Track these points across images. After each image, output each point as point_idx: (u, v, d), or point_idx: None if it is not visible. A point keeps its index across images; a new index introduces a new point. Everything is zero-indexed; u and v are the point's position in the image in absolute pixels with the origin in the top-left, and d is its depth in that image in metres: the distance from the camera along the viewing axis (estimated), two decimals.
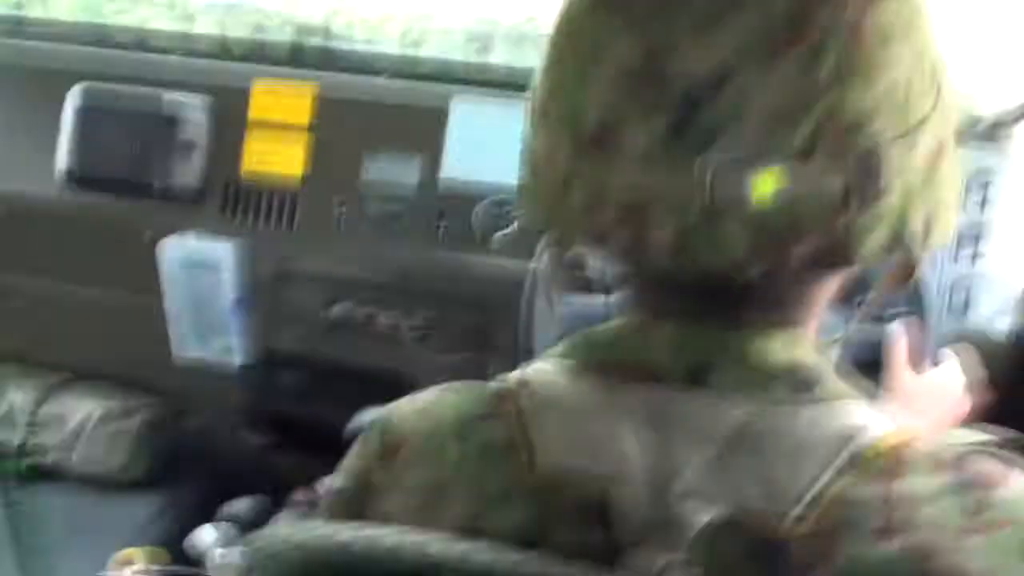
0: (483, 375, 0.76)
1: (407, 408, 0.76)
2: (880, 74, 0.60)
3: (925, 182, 0.64)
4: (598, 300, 1.39)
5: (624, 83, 0.61)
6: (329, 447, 0.81)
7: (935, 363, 1.28)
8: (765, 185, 0.59)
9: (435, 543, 0.62)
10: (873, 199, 0.61)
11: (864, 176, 0.61)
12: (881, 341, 1.27)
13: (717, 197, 0.60)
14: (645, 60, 0.61)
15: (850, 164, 0.60)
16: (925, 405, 1.19)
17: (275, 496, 1.98)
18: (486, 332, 1.85)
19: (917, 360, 1.26)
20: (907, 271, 0.77)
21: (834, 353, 1.31)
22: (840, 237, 0.61)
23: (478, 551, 0.61)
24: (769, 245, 0.61)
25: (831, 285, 0.72)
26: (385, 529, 0.64)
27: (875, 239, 0.63)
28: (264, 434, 2.11)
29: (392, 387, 0.78)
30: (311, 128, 1.91)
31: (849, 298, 0.88)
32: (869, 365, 1.28)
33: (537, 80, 0.70)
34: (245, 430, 2.09)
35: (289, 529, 0.64)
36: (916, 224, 0.64)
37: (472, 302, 1.83)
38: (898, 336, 1.27)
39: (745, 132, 0.59)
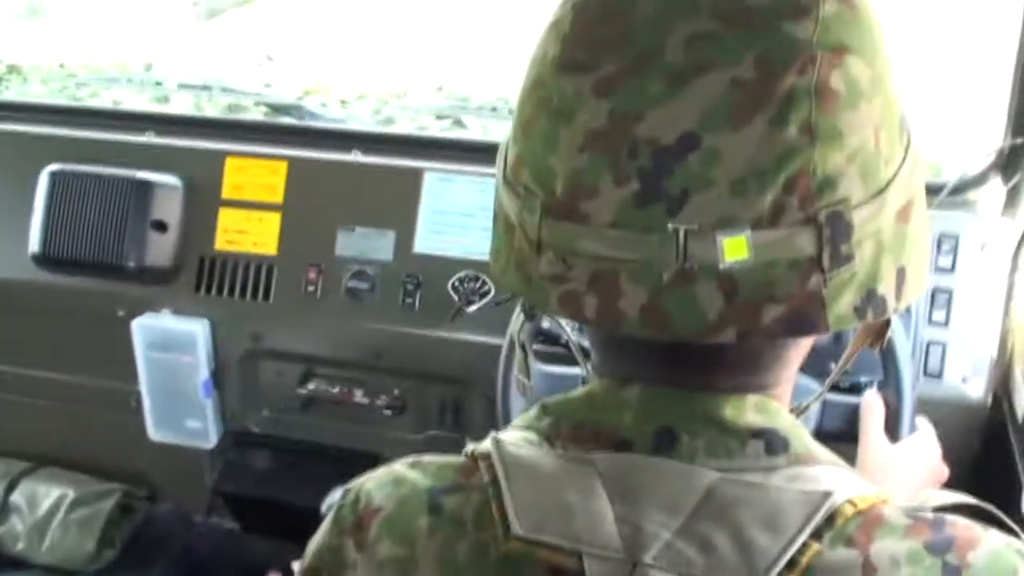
0: (459, 451, 0.75)
1: (377, 481, 0.74)
2: (847, 136, 0.60)
3: (895, 241, 0.64)
4: (573, 370, 1.39)
5: (592, 148, 0.61)
6: (304, 528, 0.79)
7: (911, 431, 1.28)
8: (735, 250, 0.59)
9: None
10: (843, 261, 0.61)
11: (833, 239, 0.60)
12: (857, 410, 1.28)
13: (687, 262, 0.60)
14: (612, 124, 0.61)
15: (817, 228, 0.60)
16: (900, 474, 1.18)
17: None
18: (461, 407, 1.84)
19: (892, 429, 1.26)
20: (879, 332, 0.77)
21: (809, 417, 1.32)
22: (809, 301, 0.61)
23: None
24: (741, 309, 0.60)
25: (803, 348, 0.71)
26: None
27: (846, 301, 0.62)
28: (237, 516, 2.07)
29: (367, 466, 0.76)
30: (284, 204, 1.91)
31: (823, 361, 0.88)
32: (845, 434, 1.28)
33: (506, 146, 0.70)
34: (218, 512, 2.06)
35: None
36: (887, 284, 0.64)
37: (447, 376, 1.83)
38: (873, 405, 1.27)
39: (712, 197, 0.59)
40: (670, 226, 0.59)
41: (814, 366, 0.85)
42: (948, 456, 1.26)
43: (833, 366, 0.86)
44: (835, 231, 0.60)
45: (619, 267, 0.61)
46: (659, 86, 0.60)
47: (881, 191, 0.62)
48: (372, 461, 0.95)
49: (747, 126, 0.59)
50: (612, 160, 0.60)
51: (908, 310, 1.57)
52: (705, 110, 0.59)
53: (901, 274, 0.65)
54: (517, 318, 0.90)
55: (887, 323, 0.76)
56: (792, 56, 0.59)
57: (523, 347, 0.89)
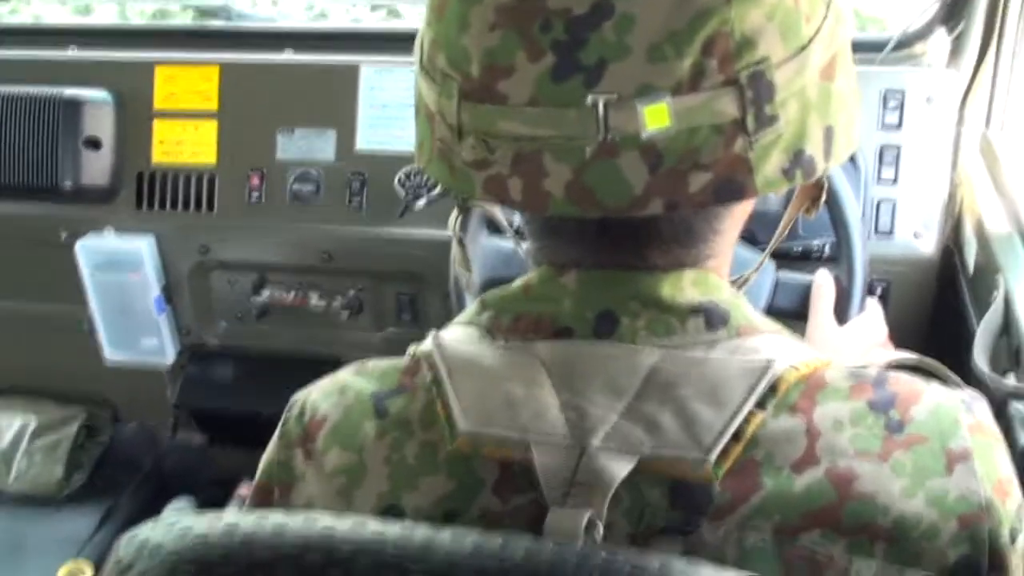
0: None
1: (322, 389, 0.74)
2: None
3: (820, 99, 0.63)
4: (509, 242, 1.38)
5: (504, 24, 0.60)
6: (270, 437, 0.79)
7: (860, 311, 1.28)
8: (656, 118, 0.58)
9: (340, 526, 0.59)
10: (767, 122, 0.60)
11: (756, 100, 0.59)
12: (809, 289, 1.28)
13: (608, 134, 0.58)
14: (520, 1, 0.59)
15: (738, 90, 0.59)
16: (850, 354, 1.19)
17: (221, 491, 1.95)
18: (418, 303, 1.83)
19: (842, 309, 1.27)
20: (815, 195, 0.76)
21: (761, 294, 1.32)
22: (735, 165, 0.60)
23: (389, 529, 0.59)
24: (666, 179, 0.59)
25: (738, 217, 0.70)
26: (288, 515, 0.61)
27: (773, 163, 0.61)
28: (203, 430, 2.07)
29: (328, 370, 0.76)
30: (220, 110, 1.86)
31: (771, 229, 0.87)
32: (797, 312, 1.29)
33: (422, 32, 0.68)
34: (183, 428, 2.06)
35: (170, 522, 0.62)
36: (815, 144, 0.63)
37: (401, 274, 1.81)
38: (824, 286, 1.27)
39: (630, 64, 0.58)
40: (589, 98, 0.58)
41: (764, 234, 0.83)
42: (900, 317, 1.27)
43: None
44: (758, 92, 0.59)
45: (541, 146, 0.60)
46: None
47: (803, 48, 0.61)
48: (333, 365, 0.93)
49: None
50: (525, 35, 0.59)
51: (857, 173, 1.56)
52: None
53: (828, 133, 0.64)
54: (453, 213, 0.89)
55: (821, 185, 0.75)
56: None
57: (460, 241, 0.88)
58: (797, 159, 0.62)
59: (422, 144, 0.69)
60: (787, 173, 0.62)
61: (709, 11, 0.58)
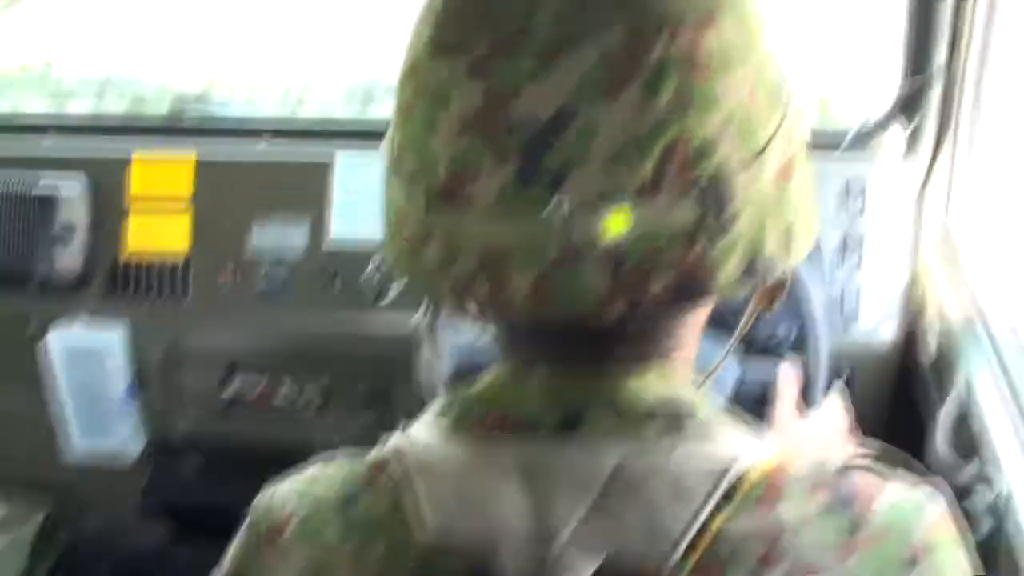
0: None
1: (287, 487, 0.74)
2: (720, 101, 0.60)
3: (778, 200, 0.64)
4: (480, 338, 1.39)
5: (470, 130, 0.61)
6: (237, 532, 0.79)
7: (824, 399, 1.30)
8: (617, 223, 0.59)
9: None
10: (724, 227, 0.61)
11: (712, 205, 0.61)
12: (775, 377, 1.30)
13: (572, 239, 0.59)
14: (488, 105, 0.60)
15: (697, 194, 0.60)
16: (811, 447, 1.20)
17: None
18: (390, 394, 1.83)
19: (807, 397, 1.28)
20: (773, 293, 0.77)
21: (727, 382, 1.34)
22: (695, 268, 0.61)
23: None
24: (627, 282, 0.61)
25: (699, 316, 0.72)
26: None
27: (730, 266, 0.62)
28: (167, 525, 2.05)
29: (297, 462, 0.76)
30: (194, 201, 1.87)
31: (727, 325, 0.89)
32: (763, 400, 1.30)
33: (390, 133, 0.69)
34: (147, 523, 2.03)
35: None
36: (774, 245, 0.64)
37: (371, 364, 1.81)
38: (787, 377, 1.29)
39: (592, 171, 0.59)
40: (552, 203, 0.59)
41: (731, 319, 0.85)
42: (861, 404, 1.29)
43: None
44: (715, 196, 0.60)
45: (506, 250, 0.61)
46: (531, 63, 0.59)
47: (760, 152, 0.62)
48: (302, 457, 0.92)
49: (620, 97, 0.59)
50: (491, 141, 0.60)
51: (821, 261, 1.59)
52: (578, 83, 0.59)
53: (787, 233, 0.65)
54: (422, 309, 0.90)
55: (783, 282, 0.76)
56: (661, 25, 0.59)
57: (428, 336, 0.89)
58: (756, 261, 0.63)
59: (391, 243, 0.69)
60: (747, 275, 0.63)
61: (668, 120, 0.59)
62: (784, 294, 0.77)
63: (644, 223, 0.59)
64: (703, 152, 0.60)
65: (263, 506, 0.73)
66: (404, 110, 0.65)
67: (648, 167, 0.59)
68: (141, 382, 1.91)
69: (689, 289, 0.62)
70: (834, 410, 1.28)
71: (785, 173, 0.65)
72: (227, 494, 1.79)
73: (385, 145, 0.69)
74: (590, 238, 0.59)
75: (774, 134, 0.64)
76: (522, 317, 0.63)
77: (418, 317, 0.82)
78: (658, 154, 0.59)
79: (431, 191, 0.63)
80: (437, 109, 0.62)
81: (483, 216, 0.61)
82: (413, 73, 0.64)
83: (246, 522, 0.75)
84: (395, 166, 0.67)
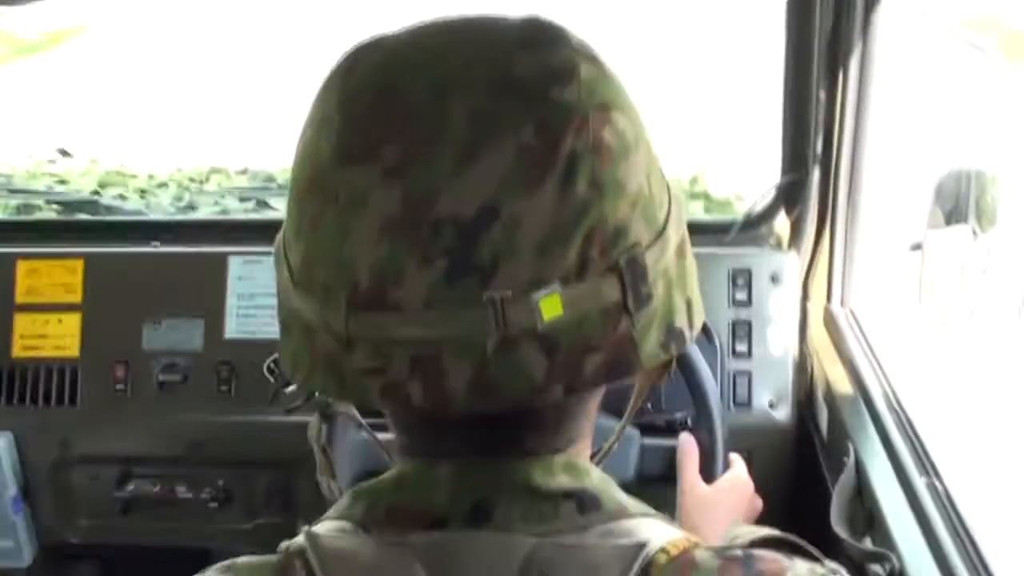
0: (291, 537, 0.73)
1: None
2: (627, 184, 0.63)
3: (679, 275, 0.68)
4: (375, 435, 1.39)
5: (391, 235, 0.61)
6: None
7: (724, 468, 1.33)
8: (551, 308, 0.61)
9: None
10: (644, 302, 0.64)
11: (634, 282, 0.63)
12: (674, 452, 1.32)
13: (508, 329, 0.60)
14: (408, 208, 0.61)
15: (618, 275, 0.63)
16: (718, 512, 1.23)
17: None
18: (290, 491, 1.80)
19: (708, 467, 1.31)
20: (662, 368, 0.80)
21: (629, 462, 1.36)
22: (623, 345, 0.63)
23: None
24: (563, 365, 0.62)
25: (599, 396, 0.73)
26: None
27: (652, 339, 0.65)
28: None
29: (196, 563, 0.74)
30: (84, 303, 1.84)
31: (620, 404, 0.91)
32: (665, 476, 1.33)
33: (282, 249, 0.68)
34: None
35: None
36: (681, 317, 0.67)
37: (271, 461, 1.78)
38: (688, 448, 1.31)
39: (521, 261, 0.61)
40: (485, 296, 0.60)
41: (613, 405, 0.87)
42: (762, 484, 1.32)
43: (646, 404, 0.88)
44: (634, 275, 0.63)
45: (439, 347, 0.61)
46: (449, 163, 0.61)
47: (661, 231, 0.66)
48: (202, 556, 0.90)
49: (540, 190, 0.61)
50: (414, 244, 0.60)
51: (713, 347, 1.64)
52: (499, 179, 0.61)
53: (688, 305, 0.69)
54: (314, 423, 0.89)
55: (669, 358, 0.79)
56: (567, 119, 0.62)
57: (324, 451, 0.88)
58: (671, 332, 0.66)
59: (296, 358, 0.68)
60: (664, 346, 0.66)
61: (586, 206, 0.62)
62: (671, 370, 0.80)
63: (575, 306, 0.61)
64: (619, 234, 0.63)
65: None
66: (308, 223, 0.64)
67: (572, 253, 0.61)
68: (30, 489, 1.84)
69: (619, 366, 0.64)
70: (738, 473, 1.31)
71: (681, 250, 0.69)
72: None
73: (280, 260, 0.69)
74: (525, 326, 0.60)
75: (668, 215, 0.67)
76: (461, 410, 0.62)
77: (312, 430, 0.82)
78: (580, 240, 0.61)
79: (351, 299, 0.62)
80: (350, 217, 0.62)
81: (412, 317, 0.61)
82: (315, 187, 0.64)
83: None
84: (301, 280, 0.66)
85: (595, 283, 0.62)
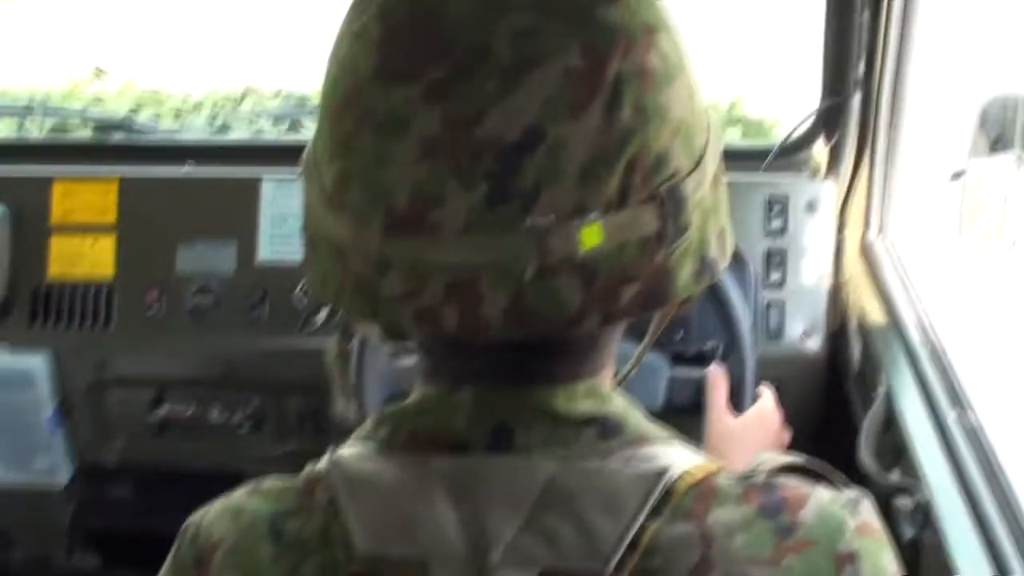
0: None
1: (216, 512, 0.73)
2: (670, 111, 0.62)
3: (713, 206, 0.67)
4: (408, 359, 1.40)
5: (432, 157, 0.60)
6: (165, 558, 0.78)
7: (753, 399, 1.32)
8: (591, 237, 0.60)
9: None
10: (681, 232, 0.63)
11: (671, 213, 0.62)
12: (703, 383, 1.32)
13: (547, 256, 0.60)
14: (451, 130, 0.60)
15: (658, 204, 0.62)
16: (745, 444, 1.23)
17: None
18: (321, 416, 1.82)
19: (737, 399, 1.31)
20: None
21: (658, 392, 1.35)
22: (659, 275, 0.63)
23: None
24: (600, 294, 0.61)
25: (621, 327, 0.73)
26: None
27: (686, 271, 0.64)
28: (99, 553, 2.01)
29: (229, 486, 0.74)
30: (118, 225, 1.85)
31: (643, 326, 0.90)
32: (695, 406, 1.33)
33: (314, 164, 0.67)
34: (78, 552, 1.99)
35: None
36: (715, 248, 0.67)
37: (303, 386, 1.80)
38: (717, 378, 1.31)
39: (564, 188, 0.60)
40: (528, 222, 0.59)
41: (636, 328, 0.85)
42: (791, 415, 1.31)
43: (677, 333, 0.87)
44: (674, 204, 0.62)
45: (477, 272, 0.60)
46: (494, 84, 0.59)
47: (700, 160, 0.65)
48: (234, 480, 0.91)
49: (586, 114, 0.60)
50: (455, 166, 0.59)
51: (746, 276, 1.62)
52: (544, 102, 0.59)
53: (722, 236, 0.68)
54: (332, 345, 0.89)
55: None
56: (613, 41, 0.61)
57: (343, 373, 0.88)
58: (704, 263, 0.65)
59: (325, 279, 0.67)
60: (698, 277, 0.65)
61: (631, 132, 0.60)
62: (694, 300, 0.78)
63: (614, 235, 0.61)
64: (660, 163, 0.62)
65: (192, 531, 0.72)
66: (344, 141, 0.63)
67: (615, 181, 0.60)
68: (67, 408, 1.87)
69: (655, 296, 0.63)
70: (767, 405, 1.30)
71: (717, 179, 0.67)
72: (157, 519, 1.76)
73: (312, 179, 0.67)
74: (566, 254, 0.60)
75: (706, 143, 0.66)
76: (495, 337, 0.62)
77: (329, 355, 0.81)
78: (623, 167, 0.60)
79: (390, 219, 0.61)
80: (391, 138, 0.61)
81: (451, 241, 0.60)
82: (353, 102, 0.63)
83: (175, 547, 0.74)
84: (335, 199, 0.64)
85: (635, 212, 0.61)
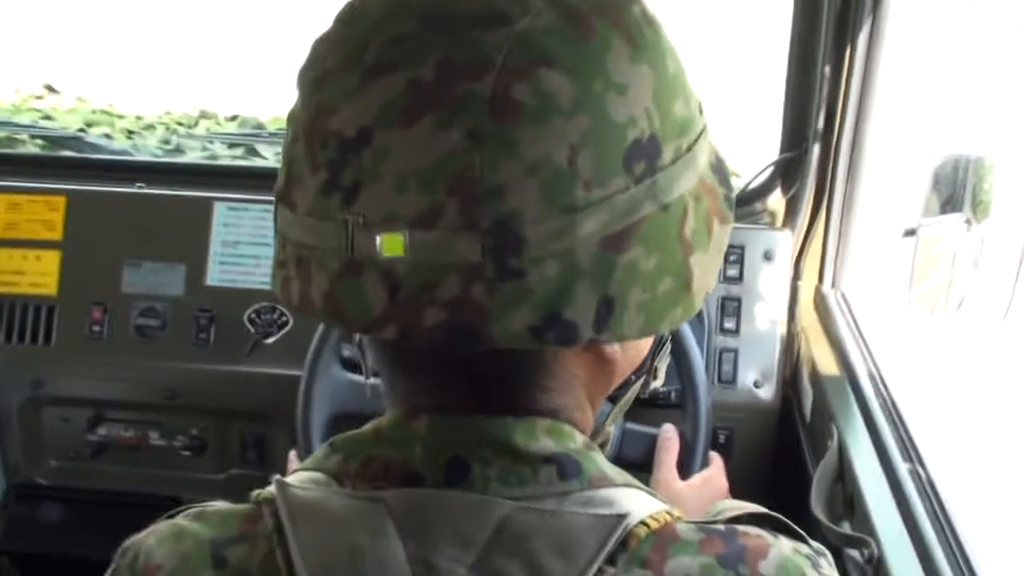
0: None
1: (159, 535, 0.70)
2: (526, 148, 0.59)
3: (597, 269, 0.61)
4: (359, 377, 1.37)
5: (301, 139, 0.63)
6: None
7: (703, 466, 1.31)
8: (392, 246, 0.60)
9: None
10: (510, 275, 0.59)
11: (498, 249, 0.59)
12: (655, 440, 1.31)
13: (355, 253, 0.60)
14: (315, 117, 0.62)
15: (480, 235, 0.59)
16: (688, 510, 1.21)
17: None
18: (264, 443, 1.78)
19: (687, 462, 1.30)
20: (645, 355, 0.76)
21: (609, 443, 1.34)
22: (472, 309, 0.59)
23: None
24: (402, 307, 0.60)
25: (593, 370, 0.70)
26: None
27: (519, 317, 0.60)
28: None
29: (167, 511, 0.72)
30: (64, 240, 1.80)
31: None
32: (643, 463, 1.31)
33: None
34: (7, 574, 1.92)
35: None
36: (580, 311, 0.61)
37: (247, 412, 1.77)
38: (669, 439, 1.30)
39: (381, 192, 0.60)
40: (341, 216, 0.60)
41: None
42: (742, 463, 1.31)
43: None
44: (501, 242, 0.59)
45: (312, 254, 0.63)
46: (354, 82, 0.61)
47: (572, 212, 0.60)
48: (172, 505, 0.88)
49: (414, 126, 0.59)
50: (311, 150, 0.62)
51: (702, 323, 1.62)
52: (381, 107, 0.60)
53: (607, 304, 0.61)
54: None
55: (662, 340, 0.77)
56: (474, 62, 0.59)
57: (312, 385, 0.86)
58: (551, 320, 0.60)
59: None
60: (536, 332, 0.60)
61: (456, 154, 0.59)
62: (653, 361, 0.77)
63: (422, 252, 0.59)
64: (493, 194, 0.59)
65: (131, 553, 0.70)
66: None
67: (428, 198, 0.59)
68: (0, 426, 1.81)
69: (462, 330, 0.60)
70: (715, 472, 1.30)
71: (614, 243, 0.61)
72: (90, 544, 1.72)
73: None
74: (369, 255, 0.60)
75: (604, 199, 0.60)
76: (319, 320, 0.65)
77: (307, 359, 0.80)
78: (441, 187, 0.59)
79: (278, 193, 0.66)
80: (291, 121, 0.66)
81: (300, 219, 0.63)
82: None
83: (112, 568, 0.71)
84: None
85: (447, 235, 0.59)
